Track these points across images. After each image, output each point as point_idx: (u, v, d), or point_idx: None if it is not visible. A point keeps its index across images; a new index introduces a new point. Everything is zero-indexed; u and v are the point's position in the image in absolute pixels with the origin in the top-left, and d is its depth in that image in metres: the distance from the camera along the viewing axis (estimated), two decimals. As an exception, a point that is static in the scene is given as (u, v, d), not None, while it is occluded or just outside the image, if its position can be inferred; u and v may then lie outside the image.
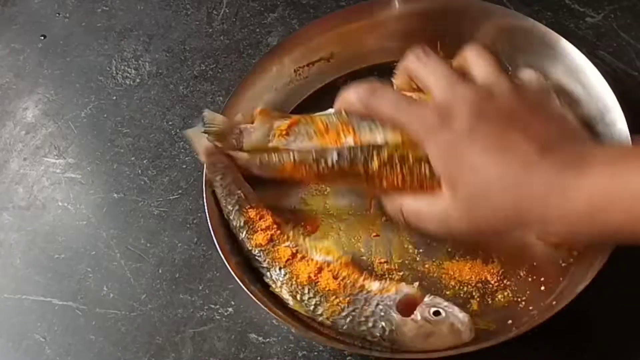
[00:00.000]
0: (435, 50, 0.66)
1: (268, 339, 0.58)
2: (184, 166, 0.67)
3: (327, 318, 0.54)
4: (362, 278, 0.55)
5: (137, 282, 0.62)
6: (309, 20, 0.74)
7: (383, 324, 0.53)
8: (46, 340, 0.60)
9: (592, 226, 0.46)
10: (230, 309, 0.60)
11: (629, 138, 0.58)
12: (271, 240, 0.57)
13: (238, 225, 0.58)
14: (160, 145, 0.69)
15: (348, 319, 0.54)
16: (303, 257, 0.57)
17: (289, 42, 0.67)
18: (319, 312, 0.55)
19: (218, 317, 0.60)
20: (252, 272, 0.58)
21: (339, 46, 0.67)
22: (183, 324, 0.60)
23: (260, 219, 0.58)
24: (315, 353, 0.57)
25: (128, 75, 0.74)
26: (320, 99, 0.66)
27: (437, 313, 0.52)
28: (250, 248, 0.58)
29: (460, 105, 0.50)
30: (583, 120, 0.60)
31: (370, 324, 0.53)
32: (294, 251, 0.57)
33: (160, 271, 0.62)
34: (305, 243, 0.58)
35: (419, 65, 0.54)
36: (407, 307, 0.53)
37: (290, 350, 0.58)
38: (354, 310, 0.54)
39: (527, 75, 0.57)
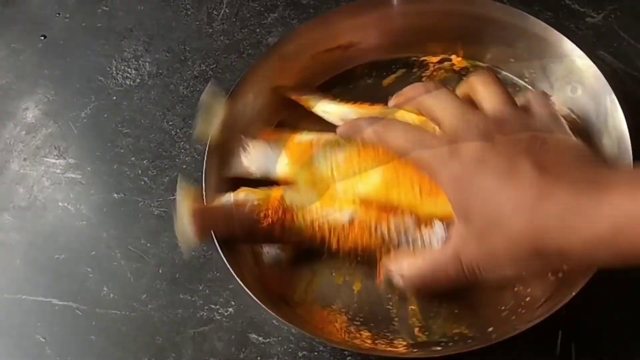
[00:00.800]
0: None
1: (268, 339, 0.58)
2: (185, 166, 0.67)
3: None
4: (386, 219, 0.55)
5: (137, 282, 0.62)
6: (309, 20, 0.74)
7: None
8: (46, 341, 0.60)
9: (613, 250, 0.45)
10: (230, 309, 0.60)
11: (629, 138, 0.59)
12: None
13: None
14: (161, 146, 0.69)
15: None
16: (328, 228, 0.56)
17: (308, 26, 0.66)
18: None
19: (218, 317, 0.60)
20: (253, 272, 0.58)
21: (358, 36, 0.67)
22: (183, 324, 0.60)
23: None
24: (316, 353, 0.57)
25: (128, 75, 0.74)
26: (335, 85, 0.68)
27: None
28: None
29: (469, 134, 0.49)
30: (583, 121, 0.61)
31: None
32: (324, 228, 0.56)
33: (160, 271, 0.62)
34: (319, 212, 0.57)
35: (426, 95, 0.54)
36: None
37: (290, 350, 0.58)
38: None
39: (534, 99, 0.55)
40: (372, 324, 0.57)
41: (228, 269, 0.56)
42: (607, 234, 0.44)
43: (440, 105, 0.53)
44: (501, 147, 0.49)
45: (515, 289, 0.55)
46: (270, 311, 0.54)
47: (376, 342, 0.56)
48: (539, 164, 0.47)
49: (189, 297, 0.61)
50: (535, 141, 0.49)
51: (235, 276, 0.55)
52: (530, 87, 0.64)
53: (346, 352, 0.57)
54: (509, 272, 0.50)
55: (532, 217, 0.46)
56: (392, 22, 0.67)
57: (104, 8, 0.79)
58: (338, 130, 0.58)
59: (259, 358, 0.58)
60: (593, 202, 0.44)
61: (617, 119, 0.59)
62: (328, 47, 0.66)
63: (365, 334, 0.56)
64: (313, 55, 0.66)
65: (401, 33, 0.67)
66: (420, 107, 0.54)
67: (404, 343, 0.55)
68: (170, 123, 0.70)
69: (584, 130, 0.62)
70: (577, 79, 0.61)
